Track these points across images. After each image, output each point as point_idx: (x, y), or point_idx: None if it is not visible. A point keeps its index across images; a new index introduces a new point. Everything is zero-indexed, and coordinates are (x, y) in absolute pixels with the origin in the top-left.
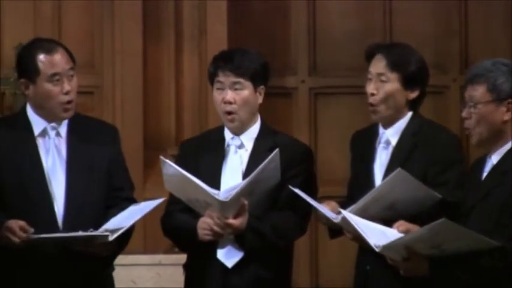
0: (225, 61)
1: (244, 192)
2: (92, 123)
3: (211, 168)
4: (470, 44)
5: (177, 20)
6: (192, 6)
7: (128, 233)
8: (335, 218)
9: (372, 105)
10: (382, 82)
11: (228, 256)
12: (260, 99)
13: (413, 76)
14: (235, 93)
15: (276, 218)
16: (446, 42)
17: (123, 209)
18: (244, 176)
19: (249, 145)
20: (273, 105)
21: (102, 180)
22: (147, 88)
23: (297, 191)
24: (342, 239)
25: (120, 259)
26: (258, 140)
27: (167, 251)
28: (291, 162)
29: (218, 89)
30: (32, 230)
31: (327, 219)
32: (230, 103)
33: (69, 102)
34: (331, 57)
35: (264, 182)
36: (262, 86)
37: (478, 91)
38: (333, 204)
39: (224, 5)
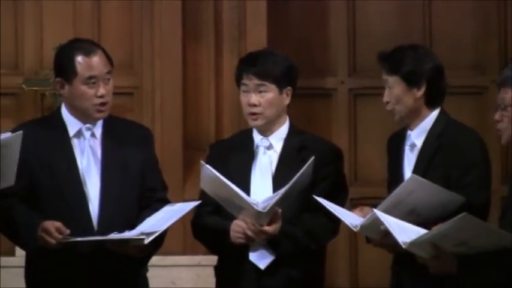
0: (249, 64)
1: (281, 201)
2: (126, 124)
3: (240, 170)
4: (510, 44)
5: (216, 20)
6: (231, 7)
7: (162, 234)
8: (355, 227)
9: (390, 111)
10: (389, 88)
11: (261, 258)
12: (287, 101)
13: (412, 74)
14: (259, 96)
15: (308, 221)
16: (485, 43)
17: (156, 209)
18: (274, 177)
19: (277, 146)
20: (312, 106)
21: (135, 181)
22: (186, 89)
23: (319, 199)
24: None
25: (160, 260)
26: (286, 141)
27: (207, 252)
28: (321, 163)
29: (244, 91)
30: (67, 231)
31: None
32: (255, 105)
33: (103, 104)
34: (371, 58)
35: (298, 187)
36: (289, 87)
37: (508, 94)
38: (366, 209)
39: (264, 5)
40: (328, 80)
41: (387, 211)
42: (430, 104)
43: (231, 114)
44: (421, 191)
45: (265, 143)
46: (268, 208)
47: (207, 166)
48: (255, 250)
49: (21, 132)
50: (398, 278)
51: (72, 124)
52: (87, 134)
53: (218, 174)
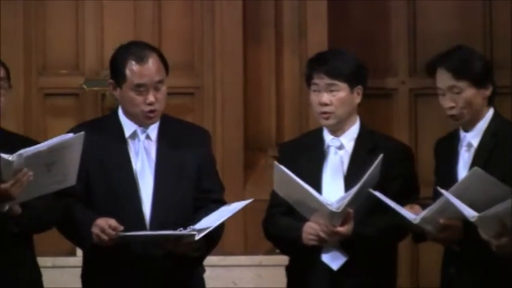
0: (320, 63)
1: (354, 200)
2: (182, 126)
3: (311, 170)
4: None
5: (277, 21)
6: (292, 7)
7: (218, 234)
8: (415, 219)
9: (453, 116)
10: (457, 94)
11: (333, 259)
12: (358, 99)
13: (481, 76)
14: (330, 95)
15: (379, 221)
16: None
17: (212, 210)
18: (346, 177)
19: (349, 146)
20: (372, 107)
21: (190, 183)
22: (247, 89)
23: (376, 194)
24: None
25: (221, 260)
26: (357, 141)
27: (268, 252)
28: (391, 163)
29: (314, 91)
30: (121, 227)
31: (407, 222)
32: (326, 105)
33: (151, 111)
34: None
35: (368, 186)
36: (359, 86)
37: None
38: (417, 207)
39: (324, 5)
40: (388, 80)
41: (446, 206)
42: (490, 103)
43: (291, 114)
44: (480, 184)
45: (336, 143)
46: (341, 208)
47: (281, 166)
48: (327, 251)
49: (83, 133)
50: (450, 276)
51: (127, 125)
52: (142, 136)
53: (292, 174)
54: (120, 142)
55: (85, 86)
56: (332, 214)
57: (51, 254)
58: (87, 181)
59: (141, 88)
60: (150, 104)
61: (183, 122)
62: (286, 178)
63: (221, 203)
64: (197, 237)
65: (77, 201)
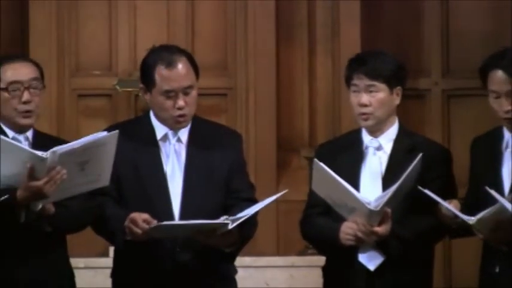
0: (359, 64)
1: (392, 199)
2: (213, 128)
3: (349, 171)
4: None
5: (310, 21)
6: (325, 7)
7: (251, 231)
8: (469, 220)
9: (509, 119)
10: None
11: (370, 259)
12: (397, 100)
13: None
14: (370, 96)
15: (417, 222)
16: None
17: (242, 208)
18: (384, 178)
19: (387, 147)
20: (405, 107)
21: (219, 186)
22: (280, 90)
23: (426, 191)
24: (477, 240)
25: (254, 261)
26: (396, 142)
27: (300, 253)
28: (430, 165)
29: (354, 91)
30: (155, 221)
31: (452, 219)
32: (365, 105)
33: (181, 116)
34: (465, 58)
35: (406, 186)
36: (399, 87)
37: None
38: (455, 202)
39: (357, 6)
40: (421, 81)
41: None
42: None
43: (324, 114)
44: None
45: (375, 143)
46: (379, 207)
47: (321, 164)
48: (364, 251)
49: (117, 131)
50: (491, 276)
51: (159, 128)
52: (173, 138)
53: (331, 172)
54: (151, 144)
55: (118, 87)
56: (370, 213)
57: (83, 254)
58: (119, 182)
59: (170, 93)
60: (180, 108)
61: (215, 125)
62: (326, 176)
63: (252, 201)
64: (230, 227)
65: (111, 199)
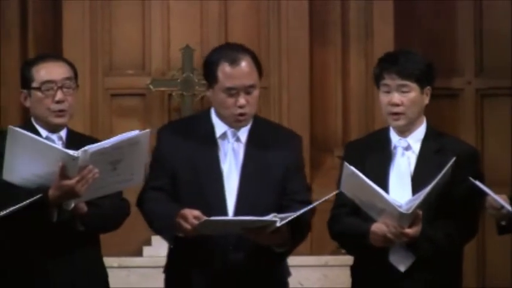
0: (391, 64)
1: (423, 202)
2: (273, 129)
3: (377, 170)
4: None
5: (343, 21)
6: (358, 7)
7: (303, 232)
8: None
9: None
10: None
11: (400, 260)
12: (427, 100)
13: None
14: (401, 95)
15: (447, 223)
16: None
17: (295, 210)
18: (413, 178)
19: (415, 147)
20: (438, 107)
21: (275, 187)
22: (313, 89)
23: (477, 183)
24: (509, 239)
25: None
26: (424, 142)
27: (333, 253)
28: (459, 164)
29: (384, 91)
30: (205, 218)
31: (497, 211)
32: (397, 105)
33: (242, 114)
34: (498, 58)
35: (437, 189)
36: (428, 87)
37: None
38: (504, 196)
39: (391, 6)
40: (454, 81)
41: None
42: None
43: (358, 114)
44: None
45: (404, 143)
46: (411, 210)
47: (351, 167)
48: (394, 252)
49: (149, 130)
50: None
51: (219, 126)
52: (232, 137)
53: (361, 175)
54: (210, 142)
55: (151, 87)
56: (401, 216)
57: (117, 254)
58: (175, 177)
59: (232, 91)
60: (241, 107)
61: (275, 125)
62: (356, 179)
63: (308, 204)
64: (279, 224)
65: (164, 194)
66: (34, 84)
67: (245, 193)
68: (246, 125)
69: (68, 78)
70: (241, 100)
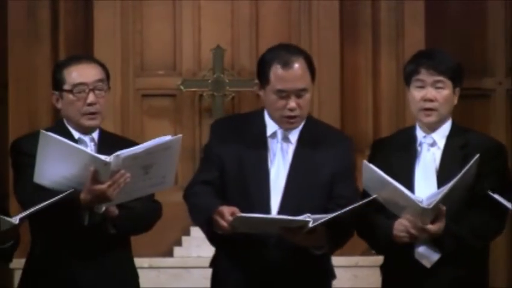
0: (428, 59)
1: (446, 198)
2: (324, 131)
3: (403, 167)
4: None
5: (374, 21)
6: (389, 8)
7: (343, 234)
8: None
9: None
10: None
11: (426, 257)
12: (455, 101)
13: None
14: (436, 92)
15: (473, 219)
16: None
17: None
18: (438, 174)
19: (441, 143)
20: (470, 107)
21: (322, 190)
22: (344, 90)
23: (496, 196)
24: None
25: None
26: (449, 138)
27: (364, 253)
28: (484, 160)
29: (418, 86)
30: (239, 214)
31: None
32: (431, 101)
33: (291, 117)
34: None
35: (462, 185)
36: (458, 88)
37: None
38: None
39: (422, 6)
40: (485, 81)
41: None
42: None
43: (388, 115)
44: None
45: (429, 140)
46: (432, 205)
47: (369, 165)
48: (420, 249)
49: (180, 136)
50: None
51: (270, 125)
52: (282, 138)
53: (380, 172)
54: (259, 141)
55: (182, 87)
56: (423, 211)
57: (148, 254)
58: (223, 173)
59: (282, 93)
60: (291, 109)
61: (327, 127)
62: (375, 176)
63: None
64: (311, 225)
65: (211, 188)
66: (66, 87)
67: (291, 194)
68: (296, 128)
69: (99, 80)
70: (292, 103)
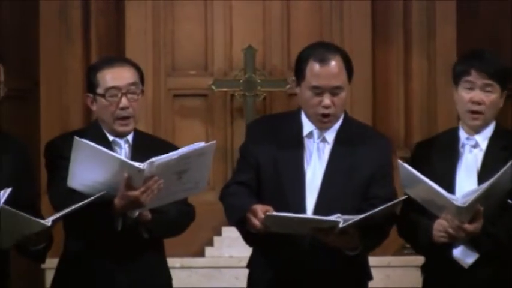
0: (480, 61)
1: (482, 197)
2: (362, 131)
3: (445, 169)
4: None
5: (405, 21)
6: (420, 7)
7: (376, 236)
8: None
9: None
10: None
11: (464, 256)
12: (501, 103)
13: None
14: (484, 95)
15: (510, 221)
16: None
17: None
18: (479, 175)
19: (483, 144)
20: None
21: (358, 191)
22: (376, 89)
23: None
24: None
25: None
26: (492, 139)
27: (396, 253)
28: None
29: (467, 88)
30: (270, 213)
31: None
32: (479, 104)
33: (325, 115)
34: None
35: (500, 186)
36: (505, 91)
37: None
38: None
39: (453, 5)
40: None
41: None
42: None
43: (420, 115)
44: None
45: (472, 141)
46: (467, 203)
47: (405, 165)
48: (459, 249)
49: (214, 142)
50: None
51: (306, 124)
52: (318, 137)
53: (414, 171)
54: (296, 140)
55: (214, 87)
56: (459, 210)
57: (180, 254)
58: (259, 173)
59: (317, 90)
60: (325, 107)
61: (364, 127)
62: (411, 176)
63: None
64: (341, 225)
65: (247, 189)
66: (99, 91)
67: (326, 194)
68: (330, 126)
69: (133, 84)
70: (326, 100)
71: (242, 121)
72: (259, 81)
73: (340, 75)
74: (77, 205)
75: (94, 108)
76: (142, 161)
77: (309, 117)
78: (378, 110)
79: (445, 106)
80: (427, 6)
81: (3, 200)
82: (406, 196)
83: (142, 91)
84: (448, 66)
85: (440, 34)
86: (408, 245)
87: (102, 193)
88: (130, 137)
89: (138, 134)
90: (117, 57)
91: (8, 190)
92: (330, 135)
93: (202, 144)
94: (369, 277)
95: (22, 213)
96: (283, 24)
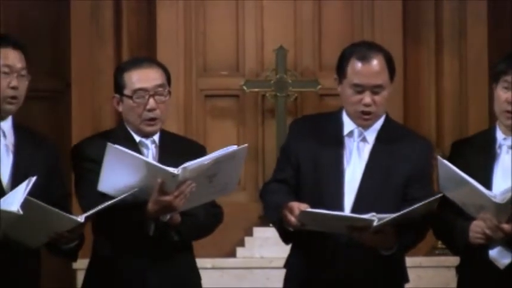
0: None
1: None
2: (402, 133)
3: (482, 169)
4: None
5: (436, 21)
6: (452, 7)
7: (412, 236)
8: None
9: None
10: None
11: (501, 257)
12: None
13: None
14: None
15: None
16: None
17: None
18: None
19: None
20: None
21: (396, 192)
22: (407, 89)
23: None
24: None
25: None
26: None
27: (427, 253)
28: None
29: (505, 87)
30: (306, 209)
31: None
32: None
33: (365, 113)
34: None
35: None
36: None
37: None
38: None
39: (484, 5)
40: None
41: None
42: None
43: (452, 114)
44: None
45: (509, 142)
46: (506, 200)
47: (444, 161)
48: (495, 249)
49: (246, 145)
50: None
51: (347, 123)
52: (359, 137)
53: (453, 167)
54: (336, 140)
55: (245, 87)
56: (497, 207)
57: (211, 255)
58: (298, 171)
59: (358, 88)
60: (366, 105)
61: (405, 130)
62: (450, 173)
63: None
64: (376, 224)
65: (286, 187)
66: (126, 92)
67: (365, 194)
68: (371, 125)
69: (160, 86)
70: (367, 98)
71: (273, 121)
72: (290, 81)
73: (382, 74)
74: (109, 202)
75: (120, 109)
76: (170, 161)
77: (349, 115)
78: (409, 110)
79: (476, 106)
80: (459, 6)
81: (27, 190)
82: (441, 194)
83: (170, 92)
84: (479, 66)
85: (471, 34)
86: (439, 246)
87: (135, 190)
88: (156, 138)
89: (164, 134)
90: (144, 57)
91: (33, 179)
92: (371, 134)
93: (234, 147)
94: (406, 279)
95: (54, 209)
96: (315, 25)
